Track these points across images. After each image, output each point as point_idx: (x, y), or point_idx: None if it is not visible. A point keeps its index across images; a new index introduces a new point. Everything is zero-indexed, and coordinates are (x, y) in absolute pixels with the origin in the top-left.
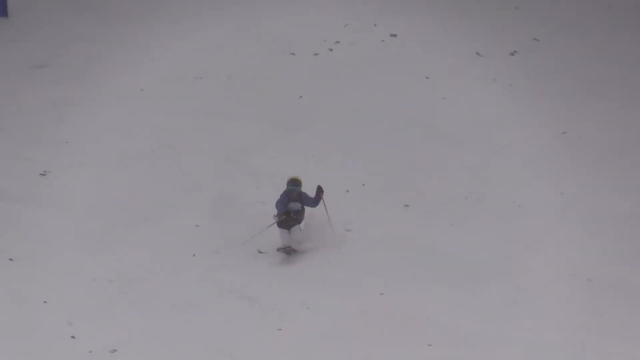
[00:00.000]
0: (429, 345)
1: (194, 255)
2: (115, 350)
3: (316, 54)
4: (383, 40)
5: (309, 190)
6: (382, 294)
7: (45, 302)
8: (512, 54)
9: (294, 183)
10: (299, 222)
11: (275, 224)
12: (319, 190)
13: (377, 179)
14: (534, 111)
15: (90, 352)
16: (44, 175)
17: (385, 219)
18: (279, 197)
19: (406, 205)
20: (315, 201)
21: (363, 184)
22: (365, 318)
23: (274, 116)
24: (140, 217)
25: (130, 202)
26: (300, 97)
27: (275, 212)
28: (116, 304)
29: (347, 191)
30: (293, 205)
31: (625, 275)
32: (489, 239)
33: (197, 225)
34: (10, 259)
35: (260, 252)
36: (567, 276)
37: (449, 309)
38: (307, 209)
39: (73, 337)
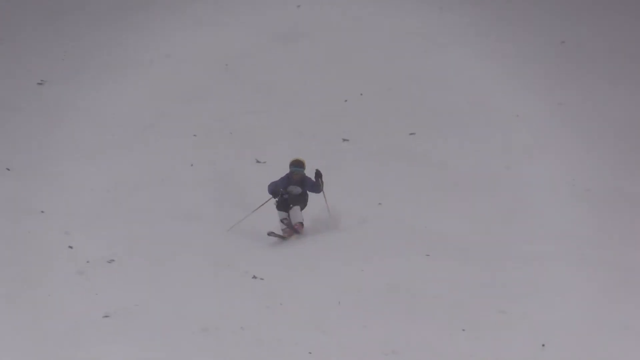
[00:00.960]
0: (427, 255)
1: (191, 165)
2: (113, 260)
3: None
4: None
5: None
6: (380, 204)
7: (42, 212)
8: None
9: (297, 164)
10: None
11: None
12: (318, 174)
13: (376, 89)
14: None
15: (87, 262)
16: (41, 84)
17: (383, 129)
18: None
19: (405, 116)
20: (318, 186)
21: (361, 94)
22: (364, 228)
23: (272, 25)
24: (139, 127)
25: (129, 112)
26: (299, 6)
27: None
28: (114, 214)
29: (345, 101)
30: (293, 189)
31: (624, 185)
32: (488, 148)
33: (194, 135)
34: (8, 169)
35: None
36: (566, 186)
37: (447, 220)
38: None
39: (71, 247)
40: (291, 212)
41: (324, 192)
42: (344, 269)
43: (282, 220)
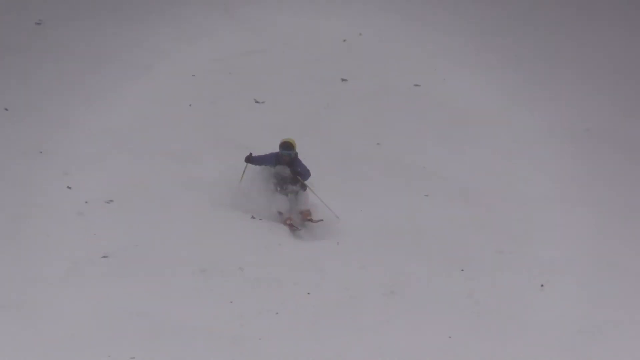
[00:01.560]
0: (426, 195)
1: (190, 105)
2: (112, 200)
3: None
4: None
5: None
6: (378, 144)
7: (41, 152)
8: None
9: (286, 147)
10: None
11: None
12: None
13: (375, 30)
14: None
15: (86, 202)
16: (39, 24)
17: (382, 69)
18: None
19: (404, 58)
20: (307, 172)
21: (360, 34)
22: (362, 166)
23: None
24: (138, 66)
25: (125, 51)
26: None
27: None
28: (113, 155)
29: (344, 40)
30: (281, 170)
31: (622, 127)
32: (484, 88)
33: (193, 75)
34: (6, 109)
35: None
36: (565, 126)
37: (447, 160)
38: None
39: (69, 187)
40: (299, 197)
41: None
42: (343, 209)
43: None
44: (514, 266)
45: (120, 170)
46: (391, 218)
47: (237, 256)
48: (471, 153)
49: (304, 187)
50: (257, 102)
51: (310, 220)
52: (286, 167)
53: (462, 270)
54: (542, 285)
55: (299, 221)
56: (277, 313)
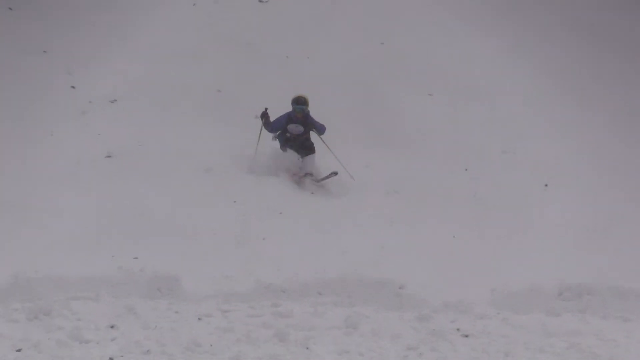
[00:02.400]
0: (430, 95)
1: (194, 4)
2: (115, 100)
3: None
4: None
5: None
6: (382, 43)
7: (45, 51)
8: None
9: (299, 102)
10: (309, 149)
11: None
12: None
13: None
14: None
15: (90, 102)
16: None
17: None
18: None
19: None
20: (322, 126)
21: None
22: (367, 64)
23: None
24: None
25: None
26: None
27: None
28: (116, 55)
29: None
30: (294, 128)
31: (623, 21)
32: None
33: None
34: (10, 8)
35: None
36: (568, 24)
37: (451, 56)
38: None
39: (73, 87)
40: (306, 159)
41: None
42: (347, 109)
43: (290, 170)
44: (518, 166)
45: (123, 71)
46: (395, 117)
47: (241, 156)
48: (476, 48)
49: (310, 151)
50: (260, 1)
51: (315, 180)
52: (299, 125)
53: (466, 169)
54: (546, 185)
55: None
56: (280, 213)
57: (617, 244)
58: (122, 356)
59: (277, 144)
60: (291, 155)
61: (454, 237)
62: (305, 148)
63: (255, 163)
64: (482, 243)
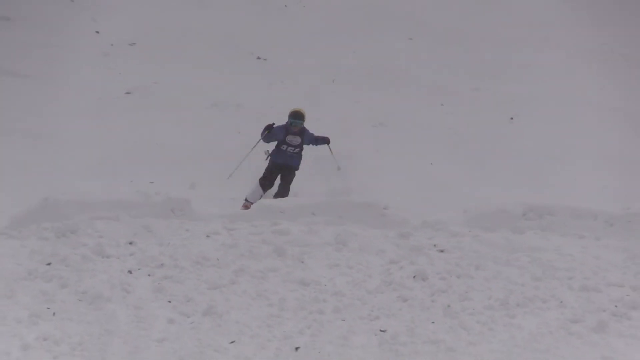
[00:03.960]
0: (410, 39)
1: None
2: (134, 43)
3: None
4: None
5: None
6: None
7: (72, 0)
8: None
9: (296, 116)
10: (292, 171)
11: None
12: (326, 140)
13: None
14: None
15: (111, 45)
16: None
17: None
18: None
19: None
20: (317, 140)
21: None
22: (351, 12)
23: None
24: None
25: None
26: None
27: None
28: (136, 2)
29: None
30: (292, 139)
31: None
32: None
33: None
34: None
35: None
36: None
37: (429, 4)
38: (306, 161)
39: (97, 32)
40: (283, 183)
41: (329, 147)
42: (337, 52)
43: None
44: (487, 102)
45: (142, 16)
46: (379, 60)
47: (243, 93)
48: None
49: (328, 146)
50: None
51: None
52: (296, 136)
53: (442, 105)
54: (511, 118)
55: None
56: None
57: (574, 169)
58: (139, 269)
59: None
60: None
61: (431, 164)
62: (290, 166)
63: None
64: (456, 170)
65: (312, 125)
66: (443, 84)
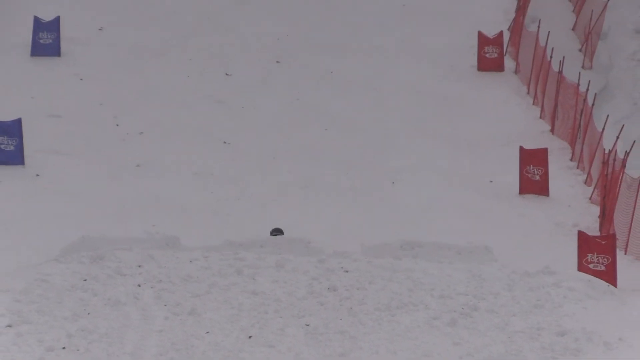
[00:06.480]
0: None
1: None
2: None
3: None
4: None
5: None
6: None
7: None
8: None
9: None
10: None
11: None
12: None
13: None
14: None
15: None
16: None
17: None
18: None
19: None
20: None
21: None
22: None
23: None
24: None
25: None
26: None
27: None
28: None
29: None
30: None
31: None
32: None
33: None
34: None
35: None
36: None
37: None
38: None
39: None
40: None
41: None
42: None
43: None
44: (374, 170)
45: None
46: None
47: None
48: None
49: None
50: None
51: None
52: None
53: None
54: (393, 183)
55: None
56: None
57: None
58: (145, 283)
59: None
60: None
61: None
62: None
63: None
64: (357, 216)
65: None
66: None
